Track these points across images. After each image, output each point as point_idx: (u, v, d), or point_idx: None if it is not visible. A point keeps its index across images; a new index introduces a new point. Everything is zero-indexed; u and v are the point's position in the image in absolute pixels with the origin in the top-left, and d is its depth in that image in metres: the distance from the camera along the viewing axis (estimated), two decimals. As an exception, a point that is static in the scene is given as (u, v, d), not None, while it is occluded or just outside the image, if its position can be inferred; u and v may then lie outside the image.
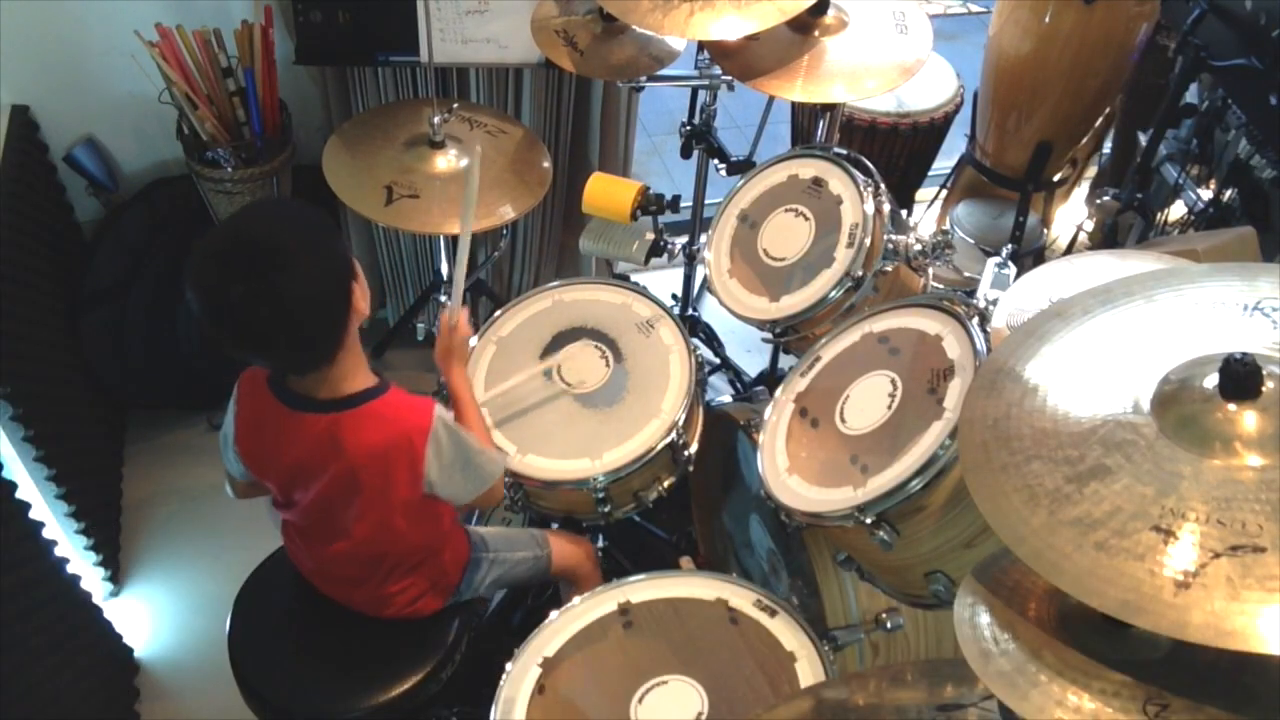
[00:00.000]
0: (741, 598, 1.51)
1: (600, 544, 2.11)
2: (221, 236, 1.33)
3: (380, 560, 1.57)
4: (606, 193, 1.99)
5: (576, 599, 1.55)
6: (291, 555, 1.68)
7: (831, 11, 1.92)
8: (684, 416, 1.74)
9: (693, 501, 2.05)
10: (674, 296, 2.58)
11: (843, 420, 1.46)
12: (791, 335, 1.76)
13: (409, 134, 2.07)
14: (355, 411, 1.40)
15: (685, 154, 2.26)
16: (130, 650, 2.23)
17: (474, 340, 1.88)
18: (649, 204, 1.97)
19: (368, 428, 1.41)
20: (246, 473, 1.53)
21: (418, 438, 1.42)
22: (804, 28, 1.92)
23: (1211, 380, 0.81)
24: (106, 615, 2.15)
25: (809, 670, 1.41)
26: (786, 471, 1.48)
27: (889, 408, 1.41)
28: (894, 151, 2.77)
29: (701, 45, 2.09)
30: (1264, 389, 0.79)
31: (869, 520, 1.29)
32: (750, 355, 2.76)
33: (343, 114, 2.41)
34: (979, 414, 0.94)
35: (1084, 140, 2.73)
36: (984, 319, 1.53)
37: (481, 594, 1.76)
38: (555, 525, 2.08)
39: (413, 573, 1.61)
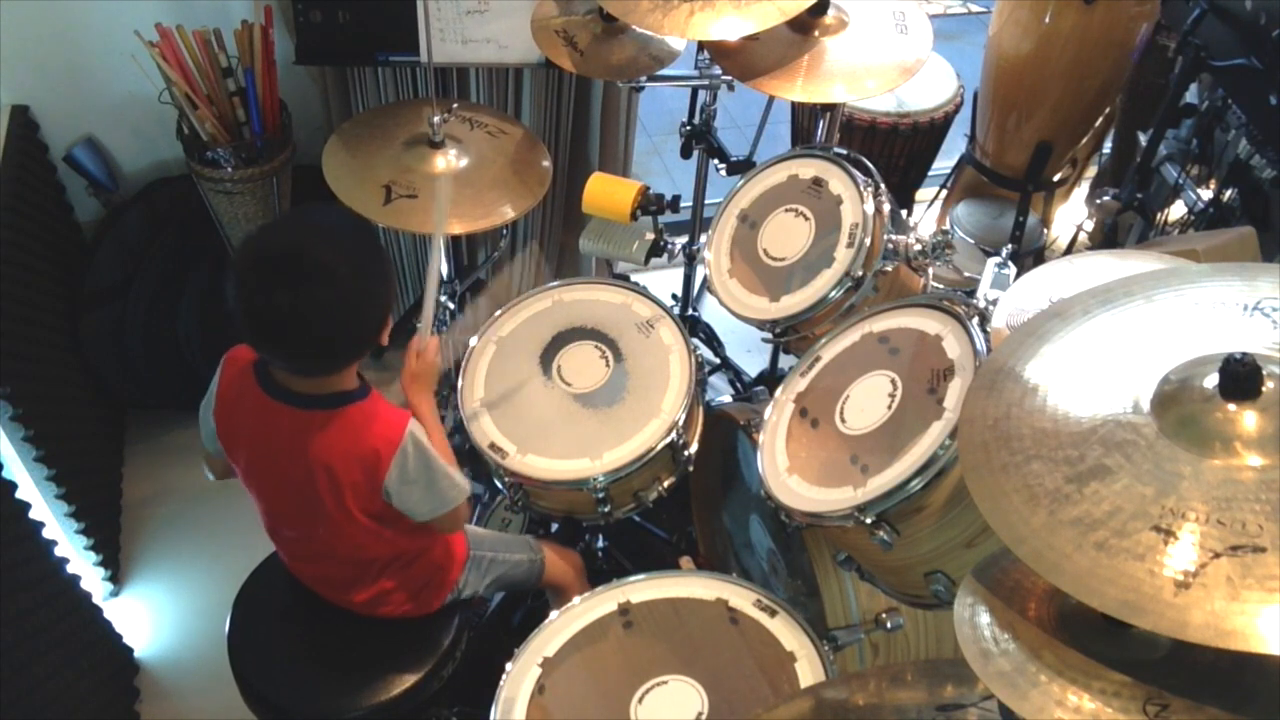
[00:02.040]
0: (741, 598, 1.51)
1: (600, 544, 2.11)
2: (277, 239, 1.33)
3: (370, 562, 1.58)
4: (606, 193, 1.98)
5: (576, 599, 1.55)
6: (285, 564, 1.68)
7: (831, 11, 1.92)
8: (684, 416, 1.74)
9: (693, 501, 2.05)
10: (674, 296, 2.58)
11: (843, 420, 1.46)
12: (791, 335, 1.75)
13: (409, 134, 2.07)
14: (328, 413, 1.40)
15: (685, 154, 2.25)
16: (130, 650, 2.23)
17: (474, 340, 1.88)
18: (649, 204, 1.97)
19: (336, 431, 1.40)
20: (222, 451, 1.53)
21: (384, 449, 1.41)
22: (804, 28, 1.92)
23: (1211, 380, 0.81)
24: (106, 615, 2.15)
25: (809, 670, 1.40)
26: (786, 471, 1.48)
27: (889, 408, 1.41)
28: (894, 151, 2.77)
29: (701, 45, 2.09)
30: (1264, 389, 0.79)
31: (869, 520, 1.29)
32: (750, 355, 2.76)
33: (343, 114, 2.41)
34: (979, 414, 0.94)
35: (1084, 140, 2.73)
36: (984, 319, 1.53)
37: (480, 593, 1.76)
38: (555, 526, 2.09)
39: (405, 571, 1.61)
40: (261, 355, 1.42)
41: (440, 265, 1.64)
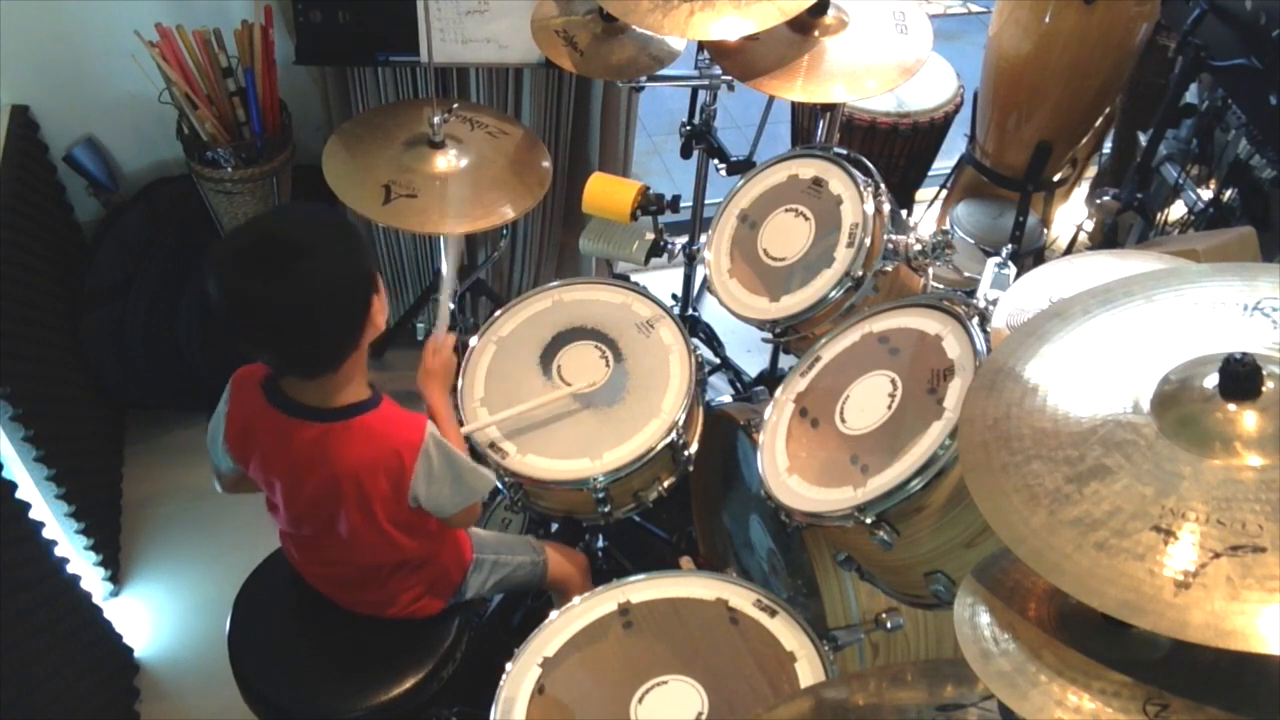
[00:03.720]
0: (741, 598, 1.51)
1: (600, 544, 2.11)
2: (249, 231, 1.33)
3: (379, 566, 1.58)
4: (606, 193, 1.99)
5: (576, 599, 1.55)
6: (291, 562, 1.68)
7: (831, 11, 1.92)
8: (684, 416, 1.74)
9: (693, 501, 2.05)
10: (674, 296, 2.58)
11: (843, 420, 1.46)
12: (791, 335, 1.75)
13: (409, 134, 2.07)
14: (346, 424, 1.40)
15: (685, 154, 2.25)
16: (130, 650, 2.23)
17: (474, 340, 1.88)
18: (649, 204, 1.97)
19: (357, 441, 1.40)
20: (236, 467, 1.52)
21: (407, 454, 1.41)
22: (804, 28, 1.92)
23: (1211, 380, 0.81)
24: (106, 615, 2.15)
25: (809, 670, 1.40)
26: (786, 471, 1.48)
27: (889, 408, 1.41)
28: (894, 151, 2.77)
29: (701, 45, 2.09)
30: (1264, 389, 0.79)
31: (869, 520, 1.29)
32: (750, 355, 2.76)
33: (343, 114, 2.41)
34: (979, 414, 0.94)
35: (1084, 140, 2.73)
36: (984, 319, 1.53)
37: (482, 595, 1.76)
38: (555, 526, 2.08)
39: (414, 574, 1.61)
40: (259, 358, 1.41)
41: (454, 265, 1.64)
